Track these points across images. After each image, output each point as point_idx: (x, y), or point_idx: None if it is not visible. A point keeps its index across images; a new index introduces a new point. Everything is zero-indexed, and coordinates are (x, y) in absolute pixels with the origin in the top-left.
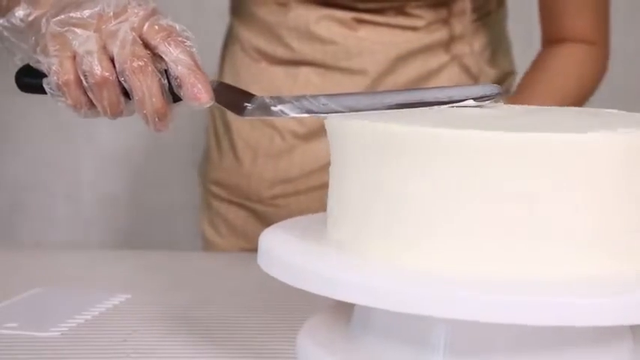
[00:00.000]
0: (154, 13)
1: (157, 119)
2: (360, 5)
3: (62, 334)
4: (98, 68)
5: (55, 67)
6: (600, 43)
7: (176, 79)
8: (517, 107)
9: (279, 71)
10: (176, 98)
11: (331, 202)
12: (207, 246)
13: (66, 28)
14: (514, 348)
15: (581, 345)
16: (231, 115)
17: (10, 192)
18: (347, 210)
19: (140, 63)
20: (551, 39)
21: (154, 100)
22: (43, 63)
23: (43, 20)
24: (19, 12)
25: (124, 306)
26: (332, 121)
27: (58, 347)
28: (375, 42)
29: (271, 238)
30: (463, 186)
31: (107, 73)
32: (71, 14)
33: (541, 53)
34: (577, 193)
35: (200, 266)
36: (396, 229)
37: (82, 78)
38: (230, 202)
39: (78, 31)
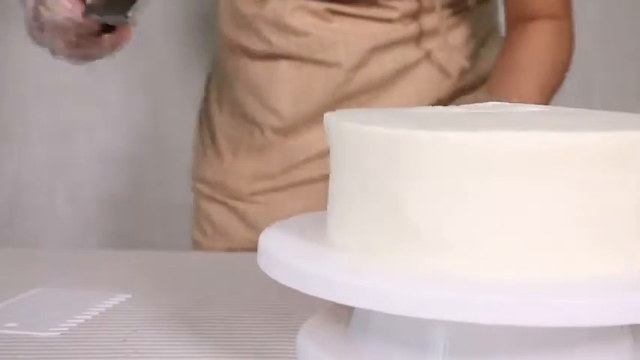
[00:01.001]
0: None
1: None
2: None
3: (62, 334)
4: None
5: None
6: (567, 16)
7: None
8: (516, 106)
9: (259, 66)
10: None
11: (331, 203)
12: (195, 247)
13: None
14: (514, 349)
15: (581, 345)
16: (214, 112)
17: (10, 192)
18: (347, 212)
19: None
20: (518, 16)
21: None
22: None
23: None
24: None
25: (124, 306)
26: (330, 121)
27: (58, 347)
28: (349, 33)
29: (271, 238)
30: (461, 187)
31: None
32: None
33: (511, 34)
34: (576, 193)
35: (200, 266)
36: (395, 231)
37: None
38: (213, 199)
39: None
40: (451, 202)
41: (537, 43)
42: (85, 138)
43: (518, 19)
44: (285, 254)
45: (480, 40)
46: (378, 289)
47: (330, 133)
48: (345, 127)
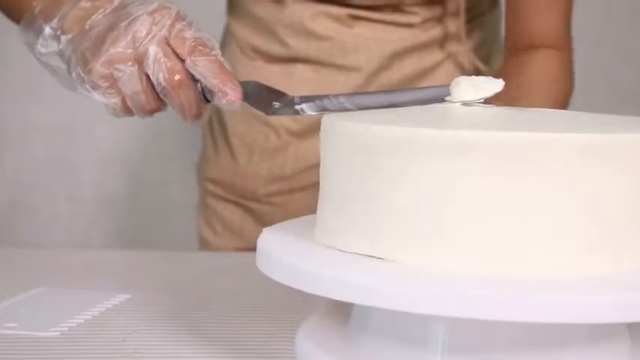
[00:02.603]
0: (177, 18)
1: (193, 120)
2: (356, 2)
3: (62, 334)
4: (148, 106)
5: (112, 107)
6: (567, 47)
7: (206, 87)
8: (513, 108)
9: (275, 69)
10: (210, 98)
11: (322, 203)
12: (203, 244)
13: (110, 70)
14: (513, 346)
15: (580, 343)
16: (226, 113)
17: (10, 192)
18: (343, 209)
19: (178, 77)
20: (518, 45)
21: (192, 108)
22: (96, 98)
23: (79, 52)
24: (48, 29)
25: (124, 306)
26: (324, 122)
27: (58, 347)
28: (370, 38)
29: (269, 239)
30: (461, 186)
31: (154, 106)
32: (110, 51)
33: (511, 61)
34: (576, 193)
35: (200, 266)
36: (394, 228)
37: (135, 110)
38: (226, 200)
39: (121, 67)
40: (449, 201)
41: (543, 68)
42: (85, 138)
43: (518, 48)
44: (282, 254)
45: (490, 47)
46: (377, 285)
47: (323, 134)
48: (333, 126)
